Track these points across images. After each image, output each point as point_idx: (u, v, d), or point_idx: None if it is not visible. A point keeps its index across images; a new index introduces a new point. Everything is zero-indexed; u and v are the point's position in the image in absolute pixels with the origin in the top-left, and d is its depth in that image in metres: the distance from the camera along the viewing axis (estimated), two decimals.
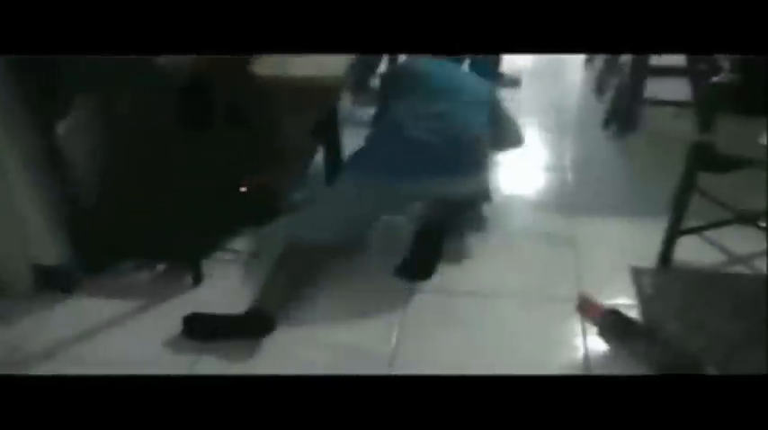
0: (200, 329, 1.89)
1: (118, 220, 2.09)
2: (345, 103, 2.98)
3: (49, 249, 2.07)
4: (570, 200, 2.58)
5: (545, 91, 3.56)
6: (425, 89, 2.27)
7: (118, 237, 2.11)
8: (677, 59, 2.81)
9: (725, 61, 2.10)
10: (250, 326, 1.88)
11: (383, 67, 3.36)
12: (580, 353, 1.84)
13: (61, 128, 1.96)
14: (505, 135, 2.41)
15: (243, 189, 2.27)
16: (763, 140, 1.91)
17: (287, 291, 1.99)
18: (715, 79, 2.01)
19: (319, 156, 2.59)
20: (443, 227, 2.15)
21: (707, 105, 2.02)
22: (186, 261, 2.14)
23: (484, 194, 2.34)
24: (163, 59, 1.91)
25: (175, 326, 1.89)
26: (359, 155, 2.21)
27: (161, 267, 2.20)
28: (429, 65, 2.37)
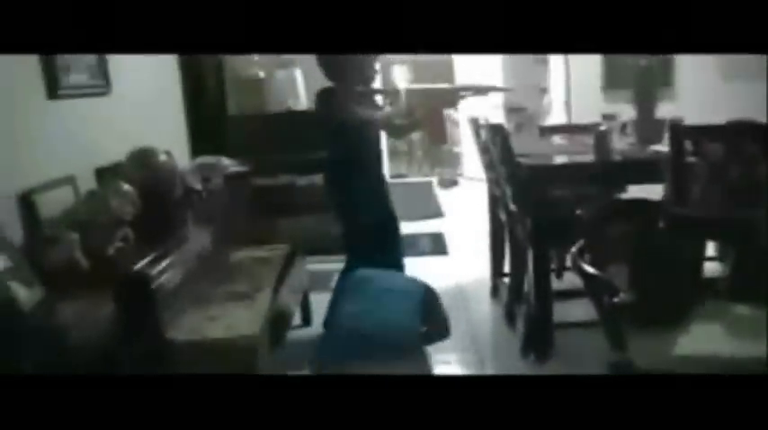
0: None
1: None
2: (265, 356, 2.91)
3: None
4: None
5: (455, 324, 3.53)
6: (367, 291, 2.73)
7: None
8: (576, 281, 2.92)
9: (619, 280, 2.20)
10: None
11: (296, 320, 3.38)
12: None
13: None
14: (435, 326, 2.69)
15: None
16: (677, 351, 1.98)
17: None
18: (615, 299, 2.10)
19: None
20: None
21: (612, 326, 2.07)
22: None
23: None
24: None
25: None
26: (322, 342, 2.79)
27: None
28: (369, 273, 2.86)
